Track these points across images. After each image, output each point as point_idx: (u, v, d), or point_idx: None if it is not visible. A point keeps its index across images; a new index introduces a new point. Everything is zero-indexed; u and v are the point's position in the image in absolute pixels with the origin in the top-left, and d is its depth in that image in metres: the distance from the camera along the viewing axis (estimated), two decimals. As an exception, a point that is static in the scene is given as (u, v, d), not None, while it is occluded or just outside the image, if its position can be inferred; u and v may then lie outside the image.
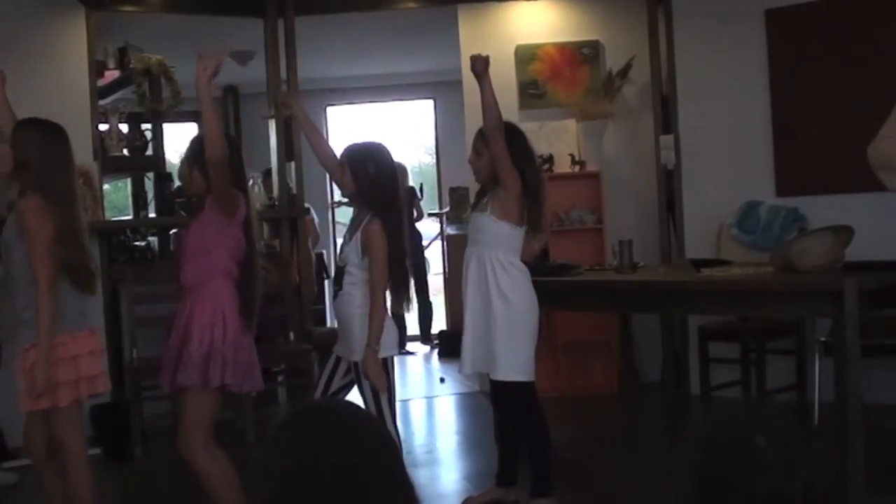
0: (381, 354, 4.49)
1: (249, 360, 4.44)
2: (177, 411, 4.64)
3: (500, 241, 4.94)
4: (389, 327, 4.57)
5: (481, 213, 4.99)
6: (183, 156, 4.61)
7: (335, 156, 4.80)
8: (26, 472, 6.02)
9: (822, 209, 6.47)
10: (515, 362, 4.93)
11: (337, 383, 4.64)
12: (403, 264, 4.63)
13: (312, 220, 10.09)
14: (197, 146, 4.49)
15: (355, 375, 4.56)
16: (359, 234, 4.53)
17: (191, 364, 4.30)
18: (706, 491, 2.12)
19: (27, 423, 4.41)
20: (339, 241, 10.69)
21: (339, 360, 4.64)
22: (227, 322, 4.35)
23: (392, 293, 4.61)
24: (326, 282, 10.58)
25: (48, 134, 4.33)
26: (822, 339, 6.11)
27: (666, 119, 7.59)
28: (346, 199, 5.08)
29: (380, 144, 4.72)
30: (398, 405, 5.40)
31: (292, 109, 5.02)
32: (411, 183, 11.00)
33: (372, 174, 4.56)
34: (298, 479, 1.77)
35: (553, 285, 5.90)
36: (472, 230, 5.08)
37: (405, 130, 15.27)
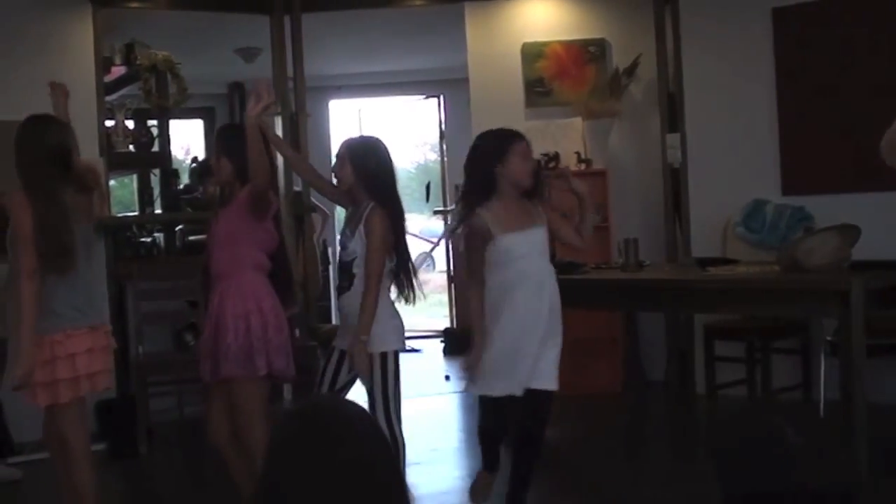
0: (383, 348, 4.52)
1: (289, 347, 4.57)
2: (207, 403, 4.67)
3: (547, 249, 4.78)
4: (392, 320, 4.60)
5: (538, 227, 4.69)
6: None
7: (314, 168, 4.98)
8: (31, 468, 6.05)
9: (828, 208, 6.45)
10: (556, 370, 4.84)
11: (343, 378, 4.65)
12: (407, 254, 4.65)
13: (326, 212, 10.12)
14: (225, 136, 4.66)
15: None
16: (361, 226, 4.52)
17: (231, 355, 4.38)
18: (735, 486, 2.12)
19: (45, 417, 4.45)
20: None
21: (342, 354, 4.61)
22: (265, 311, 4.43)
23: (396, 285, 4.63)
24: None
25: (25, 128, 4.38)
26: (828, 338, 6.10)
27: (672, 117, 7.58)
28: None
29: (378, 139, 4.74)
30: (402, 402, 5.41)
31: (268, 110, 4.67)
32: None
33: (373, 168, 4.57)
34: (296, 478, 1.77)
35: (559, 283, 5.90)
36: (527, 245, 4.65)
37: (409, 128, 15.26)
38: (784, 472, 2.01)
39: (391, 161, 4.73)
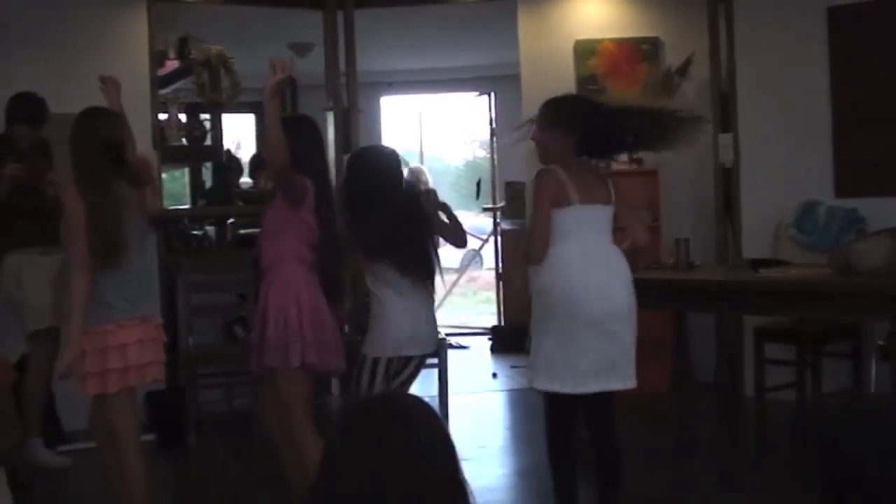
0: (375, 353, 4.65)
1: (335, 339, 4.60)
2: (261, 395, 4.73)
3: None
4: (391, 327, 4.66)
5: (604, 204, 4.42)
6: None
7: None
8: (81, 456, 6.11)
9: (881, 211, 6.37)
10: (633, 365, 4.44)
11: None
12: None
13: None
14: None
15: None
16: None
17: (271, 346, 4.45)
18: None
19: (93, 406, 4.49)
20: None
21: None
22: (303, 303, 4.47)
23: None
24: None
25: (80, 122, 4.45)
26: (880, 342, 6.03)
27: (725, 117, 7.52)
28: None
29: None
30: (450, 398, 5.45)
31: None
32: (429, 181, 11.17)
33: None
34: (353, 469, 1.78)
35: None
36: (588, 220, 4.38)
37: (459, 124, 15.29)
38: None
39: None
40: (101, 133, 4.39)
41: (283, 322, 4.45)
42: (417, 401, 1.91)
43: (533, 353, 4.34)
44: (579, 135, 4.38)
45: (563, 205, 4.27)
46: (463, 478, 1.87)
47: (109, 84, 4.76)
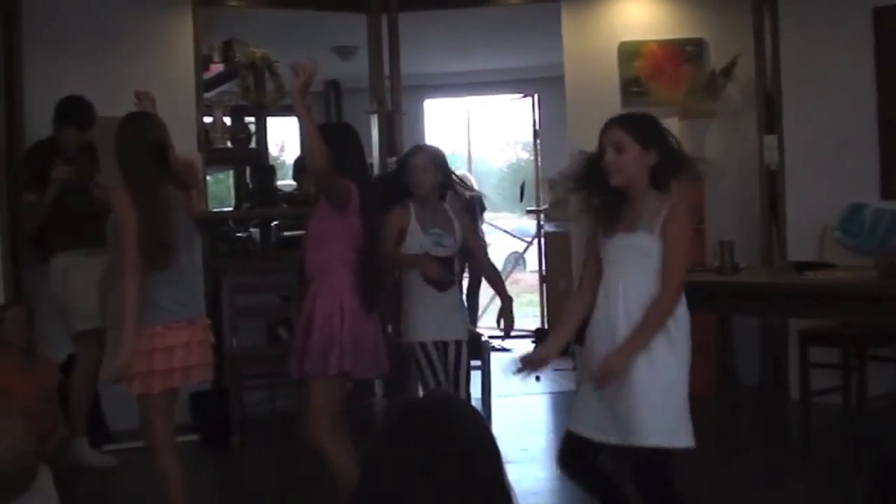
0: (414, 339, 4.98)
1: (375, 344, 4.63)
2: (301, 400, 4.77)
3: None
4: (418, 312, 4.99)
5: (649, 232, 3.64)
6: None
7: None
8: (126, 456, 6.17)
9: (929, 213, 6.33)
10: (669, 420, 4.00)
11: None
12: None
13: None
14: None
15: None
16: (457, 223, 5.13)
17: (313, 352, 4.47)
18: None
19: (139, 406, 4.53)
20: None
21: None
22: (345, 310, 4.49)
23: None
24: None
25: (125, 125, 4.47)
26: (928, 346, 5.98)
27: (770, 119, 7.47)
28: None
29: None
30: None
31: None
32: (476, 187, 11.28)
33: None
34: (399, 469, 1.79)
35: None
36: (627, 252, 3.72)
37: (501, 126, 15.27)
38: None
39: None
40: (147, 136, 4.43)
41: (328, 330, 4.46)
42: (461, 402, 1.91)
43: None
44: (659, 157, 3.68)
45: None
46: (507, 480, 1.87)
47: (144, 99, 4.78)
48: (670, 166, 3.63)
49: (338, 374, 4.50)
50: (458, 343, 5.08)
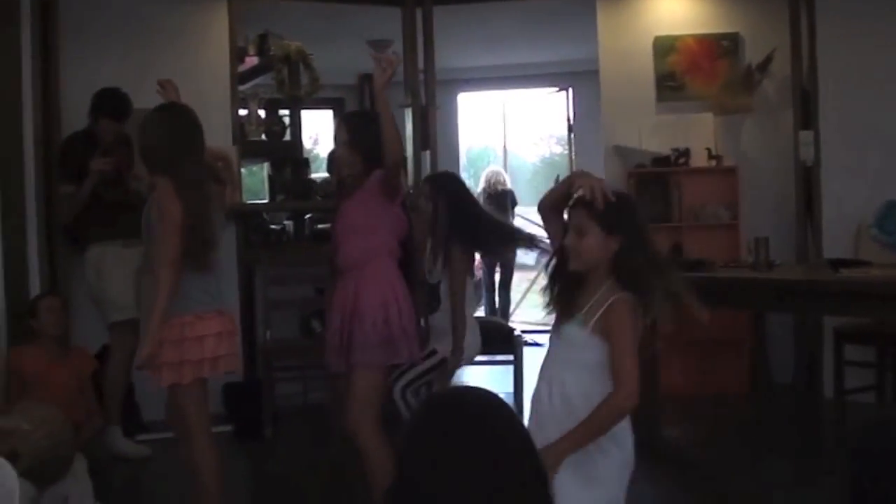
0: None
1: (419, 333, 4.78)
2: (342, 391, 4.72)
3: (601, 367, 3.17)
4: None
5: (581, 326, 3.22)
6: (337, 136, 4.67)
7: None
8: (160, 445, 6.20)
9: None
10: None
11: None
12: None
13: None
14: (353, 125, 4.66)
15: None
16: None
17: (369, 345, 4.45)
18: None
19: (168, 397, 4.54)
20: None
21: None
22: (400, 299, 4.52)
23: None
24: None
25: (171, 119, 4.45)
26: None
27: (806, 114, 7.42)
28: None
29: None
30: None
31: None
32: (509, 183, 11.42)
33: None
34: (435, 464, 1.78)
35: (686, 281, 5.83)
36: (557, 341, 3.34)
37: (535, 120, 15.24)
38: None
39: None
40: (183, 128, 4.42)
41: (382, 320, 4.45)
42: (495, 397, 1.91)
43: None
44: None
45: None
46: (544, 474, 1.87)
47: (169, 87, 4.78)
48: (633, 257, 3.18)
49: (388, 366, 4.54)
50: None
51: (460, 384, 5.33)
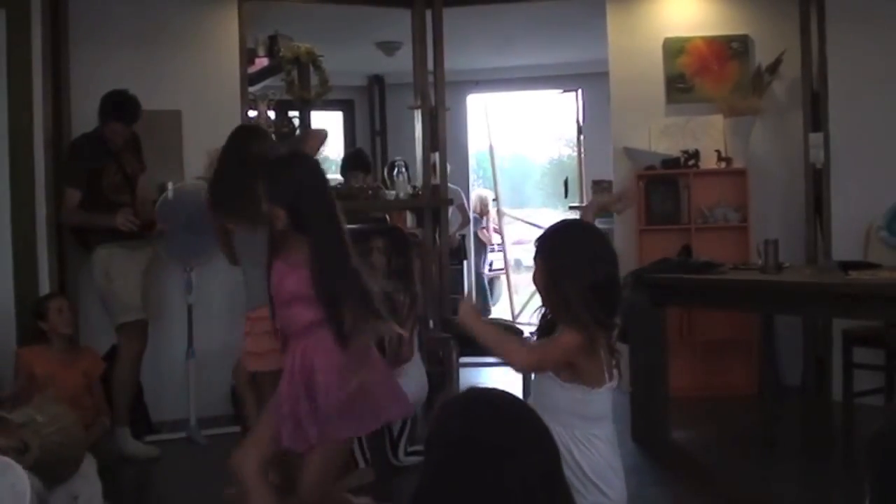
0: None
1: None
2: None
3: (576, 409, 3.13)
4: None
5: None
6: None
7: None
8: (168, 446, 6.21)
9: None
10: None
11: None
12: None
13: (464, 204, 10.38)
14: (274, 178, 3.93)
15: None
16: None
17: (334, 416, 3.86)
18: None
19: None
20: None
21: None
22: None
23: None
24: (465, 262, 10.93)
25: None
26: (974, 347, 5.91)
27: (815, 116, 7.41)
28: None
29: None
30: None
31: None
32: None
33: None
34: (450, 460, 1.79)
35: (695, 283, 5.85)
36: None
37: (544, 122, 15.24)
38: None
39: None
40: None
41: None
42: (515, 398, 1.91)
43: None
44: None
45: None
46: (563, 473, 1.88)
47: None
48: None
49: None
50: None
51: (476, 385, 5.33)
